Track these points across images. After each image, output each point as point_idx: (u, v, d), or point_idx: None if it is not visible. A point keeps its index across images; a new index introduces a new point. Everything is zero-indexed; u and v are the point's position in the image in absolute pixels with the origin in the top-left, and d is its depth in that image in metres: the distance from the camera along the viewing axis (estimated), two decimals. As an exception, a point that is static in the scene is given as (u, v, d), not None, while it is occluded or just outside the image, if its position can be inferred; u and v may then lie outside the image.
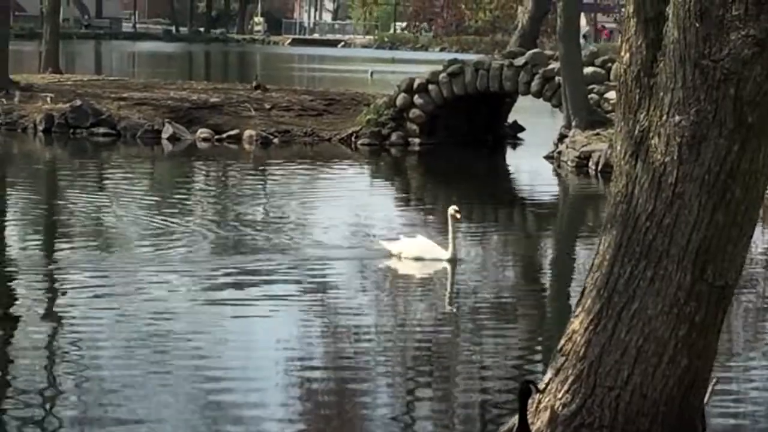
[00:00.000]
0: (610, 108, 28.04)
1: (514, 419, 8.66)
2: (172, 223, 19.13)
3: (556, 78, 30.07)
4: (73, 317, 13.04)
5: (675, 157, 8.17)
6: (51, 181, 25.88)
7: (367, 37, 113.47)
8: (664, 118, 8.21)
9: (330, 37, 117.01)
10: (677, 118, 8.16)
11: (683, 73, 8.11)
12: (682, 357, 8.31)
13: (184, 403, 10.26)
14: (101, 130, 31.78)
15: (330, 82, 50.28)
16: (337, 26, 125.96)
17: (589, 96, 29.86)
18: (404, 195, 25.64)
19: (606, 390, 8.37)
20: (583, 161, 27.55)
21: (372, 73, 56.58)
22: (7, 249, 17.11)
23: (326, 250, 17.17)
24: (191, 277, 15.12)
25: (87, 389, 10.54)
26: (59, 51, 43.04)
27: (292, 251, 17.00)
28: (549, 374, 8.63)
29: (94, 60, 74.48)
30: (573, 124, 29.00)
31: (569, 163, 27.99)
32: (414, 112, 31.78)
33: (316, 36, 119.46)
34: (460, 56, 39.77)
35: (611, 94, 27.81)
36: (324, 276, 15.69)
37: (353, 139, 31.93)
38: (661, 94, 8.23)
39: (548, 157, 29.50)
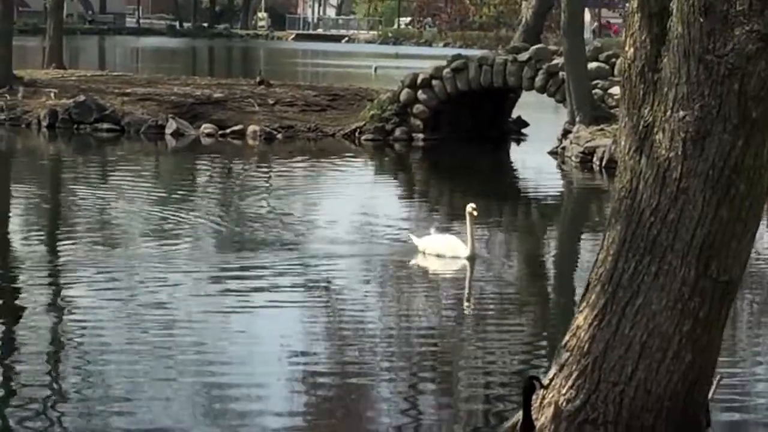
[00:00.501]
0: (614, 103, 27.99)
1: (519, 415, 8.66)
2: (176, 218, 19.13)
3: (560, 73, 30.04)
4: (77, 312, 13.03)
5: (679, 153, 8.16)
6: (55, 176, 25.88)
7: (371, 32, 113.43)
8: (669, 113, 8.21)
9: (334, 32, 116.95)
10: (681, 113, 8.16)
11: (687, 68, 8.11)
12: (686, 352, 8.31)
13: (188, 396, 10.26)
14: (105, 125, 31.78)
15: (334, 77, 50.25)
16: (341, 21, 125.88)
17: (594, 91, 29.83)
18: (408, 191, 25.62)
19: (610, 385, 8.37)
20: (587, 157, 27.54)
21: (376, 69, 56.56)
22: (11, 244, 17.12)
23: (331, 245, 17.15)
24: (196, 273, 15.12)
25: (91, 384, 10.53)
26: (63, 46, 43.01)
27: (297, 246, 16.99)
28: (553, 370, 8.63)
29: (98, 55, 74.46)
30: (577, 119, 28.98)
31: (573, 158, 27.98)
32: (418, 108, 31.75)
33: (319, 31, 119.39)
34: (464, 51, 39.73)
35: (615, 90, 27.77)
36: (329, 272, 15.66)
37: (357, 134, 31.91)
38: (666, 89, 8.23)
39: (552, 153, 29.48)
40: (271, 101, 33.79)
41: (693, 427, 8.53)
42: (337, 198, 22.56)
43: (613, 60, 30.36)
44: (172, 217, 19.21)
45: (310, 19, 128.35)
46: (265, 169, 27.26)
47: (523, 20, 35.35)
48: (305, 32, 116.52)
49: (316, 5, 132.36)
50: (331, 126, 32.45)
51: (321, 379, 10.99)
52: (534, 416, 8.50)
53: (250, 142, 31.16)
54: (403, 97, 31.93)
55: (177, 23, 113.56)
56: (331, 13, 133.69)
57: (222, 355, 11.55)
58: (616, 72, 29.41)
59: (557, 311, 14.25)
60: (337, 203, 21.65)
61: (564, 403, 8.45)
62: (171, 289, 14.18)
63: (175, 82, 36.98)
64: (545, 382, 8.59)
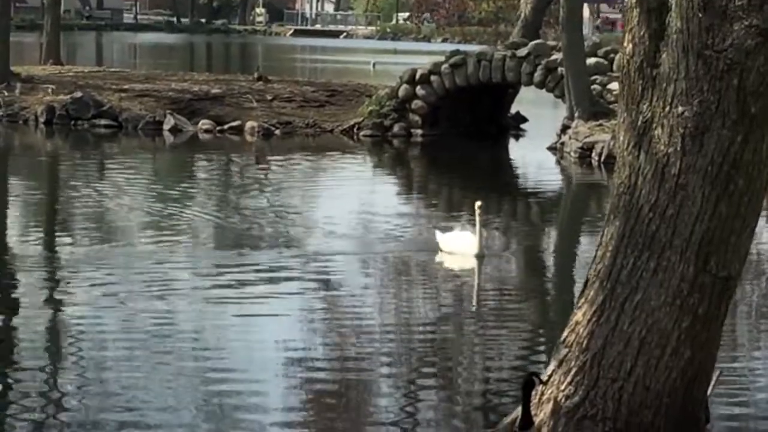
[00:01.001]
0: (612, 99, 27.99)
1: (518, 411, 8.64)
2: (174, 214, 19.12)
3: (559, 69, 30.03)
4: (75, 310, 12.99)
5: (678, 148, 8.15)
6: (52, 173, 25.86)
7: (370, 27, 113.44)
8: (667, 108, 8.19)
9: (332, 27, 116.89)
10: (680, 108, 8.14)
11: (686, 63, 8.09)
12: (685, 348, 8.30)
13: (186, 397, 10.24)
14: (102, 121, 31.76)
15: (332, 73, 50.22)
16: (339, 17, 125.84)
17: (592, 87, 29.81)
18: (407, 186, 25.60)
19: (609, 382, 8.35)
20: (586, 152, 27.52)
21: (374, 64, 56.52)
22: (9, 241, 17.10)
23: (329, 241, 17.14)
24: (193, 269, 15.11)
25: (89, 382, 10.52)
26: (60, 42, 42.98)
27: (295, 243, 16.98)
28: (552, 366, 8.62)
29: (96, 51, 74.40)
30: (576, 115, 28.97)
31: (572, 154, 27.96)
32: (416, 104, 31.74)
33: (318, 27, 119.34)
34: (462, 47, 39.76)
35: (614, 85, 27.75)
36: (327, 268, 15.65)
37: (355, 130, 31.89)
38: (664, 84, 8.21)
39: (551, 148, 29.46)
40: (269, 97, 33.76)
41: (692, 423, 8.51)
42: (336, 194, 22.52)
43: (612, 55, 30.31)
44: (170, 213, 19.19)
45: (308, 15, 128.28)
46: (263, 166, 27.21)
47: (522, 16, 35.32)
48: (303, 28, 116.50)
49: (314, 1, 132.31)
50: (329, 122, 32.43)
51: (320, 375, 10.98)
52: (533, 412, 8.49)
53: (248, 138, 31.14)
54: (401, 92, 31.91)
55: (174, 19, 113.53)
56: (329, 8, 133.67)
57: (222, 352, 11.54)
58: (614, 67, 29.36)
59: (557, 307, 14.24)
60: (336, 199, 21.63)
61: (563, 399, 8.44)
62: (169, 284, 14.16)
63: (172, 78, 36.95)
64: (544, 377, 8.58)
